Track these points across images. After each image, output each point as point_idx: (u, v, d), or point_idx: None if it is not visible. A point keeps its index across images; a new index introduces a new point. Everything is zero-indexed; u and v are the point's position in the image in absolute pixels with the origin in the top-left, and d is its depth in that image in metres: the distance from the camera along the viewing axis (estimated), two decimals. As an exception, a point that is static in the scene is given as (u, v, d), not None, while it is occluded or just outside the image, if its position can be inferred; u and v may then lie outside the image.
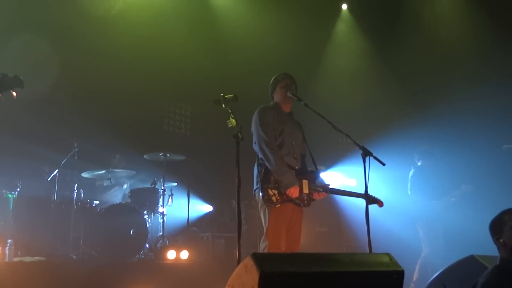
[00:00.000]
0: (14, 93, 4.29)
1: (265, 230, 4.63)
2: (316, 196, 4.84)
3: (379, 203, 4.71)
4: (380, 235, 5.55)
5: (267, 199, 4.51)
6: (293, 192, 4.62)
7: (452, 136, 8.55)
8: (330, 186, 4.96)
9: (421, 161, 7.65)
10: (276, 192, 4.54)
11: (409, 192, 7.51)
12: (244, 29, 9.90)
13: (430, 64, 9.81)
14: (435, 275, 3.87)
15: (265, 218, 4.65)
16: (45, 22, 8.33)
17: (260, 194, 4.54)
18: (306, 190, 4.75)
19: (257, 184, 4.68)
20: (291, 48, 10.10)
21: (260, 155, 4.71)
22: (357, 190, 5.02)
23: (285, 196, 4.58)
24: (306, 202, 4.76)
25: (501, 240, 3.00)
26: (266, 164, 4.64)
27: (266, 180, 4.55)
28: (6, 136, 7.57)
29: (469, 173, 7.91)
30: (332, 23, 11.00)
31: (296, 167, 4.81)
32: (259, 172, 4.64)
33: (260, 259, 2.56)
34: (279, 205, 4.56)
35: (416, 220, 7.43)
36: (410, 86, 9.88)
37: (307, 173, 4.88)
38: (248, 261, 2.59)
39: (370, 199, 4.75)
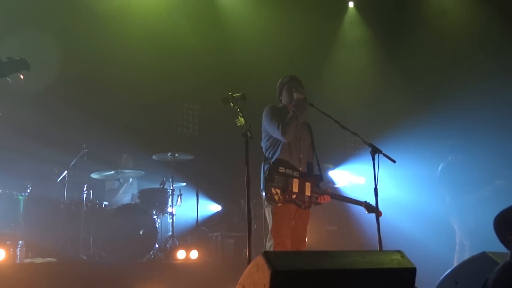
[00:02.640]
0: (22, 76, 4.25)
1: (270, 229, 4.68)
2: (321, 199, 4.89)
3: (379, 213, 4.66)
4: (390, 233, 5.53)
5: (269, 197, 4.55)
6: (299, 95, 4.86)
7: (463, 132, 8.46)
8: (337, 185, 5.00)
9: (451, 155, 7.45)
10: (278, 191, 4.57)
11: (438, 187, 7.33)
12: (251, 28, 9.90)
13: (437, 60, 9.77)
14: (446, 272, 3.85)
15: (269, 217, 4.71)
16: (52, 23, 8.36)
17: (264, 192, 4.58)
18: (308, 193, 4.80)
19: (263, 183, 4.72)
20: (298, 47, 10.10)
21: (288, 135, 4.73)
22: (366, 188, 5.05)
23: (287, 196, 4.62)
24: (307, 204, 4.79)
25: None
26: (293, 124, 4.71)
27: (270, 178, 4.58)
28: (15, 138, 7.60)
29: (503, 168, 7.71)
30: (339, 21, 10.98)
31: (300, 169, 4.84)
32: (264, 171, 4.68)
33: (271, 258, 2.56)
34: (280, 204, 4.59)
35: (448, 215, 7.28)
36: (418, 82, 9.83)
37: (311, 177, 4.91)
38: (259, 260, 2.59)
39: (370, 208, 4.89)
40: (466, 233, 7.09)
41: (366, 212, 4.93)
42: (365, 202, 4.97)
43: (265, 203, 4.68)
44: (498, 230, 3.12)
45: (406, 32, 10.00)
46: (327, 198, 4.90)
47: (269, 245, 4.62)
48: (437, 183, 7.38)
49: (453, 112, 8.58)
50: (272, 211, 4.65)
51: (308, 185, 4.81)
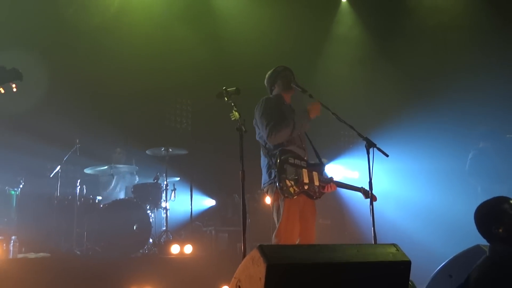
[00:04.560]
0: (14, 86, 4.20)
1: (277, 224, 4.54)
2: (327, 188, 4.80)
3: (373, 198, 4.63)
4: (384, 227, 5.53)
5: (285, 190, 4.43)
6: (316, 108, 4.72)
7: (452, 126, 8.46)
8: (334, 179, 4.94)
9: (482, 142, 7.20)
10: (293, 182, 4.47)
11: (468, 175, 7.12)
12: (244, 22, 9.87)
13: (431, 53, 9.77)
14: (441, 265, 3.86)
15: (278, 211, 4.55)
16: (45, 18, 8.30)
17: (278, 185, 4.44)
18: (317, 182, 4.70)
19: (270, 176, 4.60)
20: (291, 41, 10.09)
21: (273, 140, 4.62)
22: (359, 182, 5.05)
23: (300, 187, 4.52)
24: (317, 194, 4.71)
25: (500, 230, 2.93)
26: (284, 133, 4.62)
27: (282, 171, 4.46)
28: (8, 133, 7.56)
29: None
30: (332, 15, 10.97)
31: (305, 158, 4.77)
32: (273, 163, 4.54)
33: (267, 251, 2.55)
34: (296, 197, 4.50)
35: (475, 205, 7.05)
36: (411, 76, 9.83)
37: (315, 165, 4.82)
38: (255, 253, 2.58)
39: (367, 194, 4.85)
40: None
41: (364, 197, 4.91)
42: (362, 187, 4.97)
43: (281, 196, 4.49)
44: (480, 222, 3.04)
45: (399, 25, 10.01)
46: (333, 187, 4.82)
47: (276, 240, 4.48)
48: (467, 173, 7.11)
49: (447, 104, 8.58)
50: (282, 205, 4.50)
51: (315, 174, 4.72)
